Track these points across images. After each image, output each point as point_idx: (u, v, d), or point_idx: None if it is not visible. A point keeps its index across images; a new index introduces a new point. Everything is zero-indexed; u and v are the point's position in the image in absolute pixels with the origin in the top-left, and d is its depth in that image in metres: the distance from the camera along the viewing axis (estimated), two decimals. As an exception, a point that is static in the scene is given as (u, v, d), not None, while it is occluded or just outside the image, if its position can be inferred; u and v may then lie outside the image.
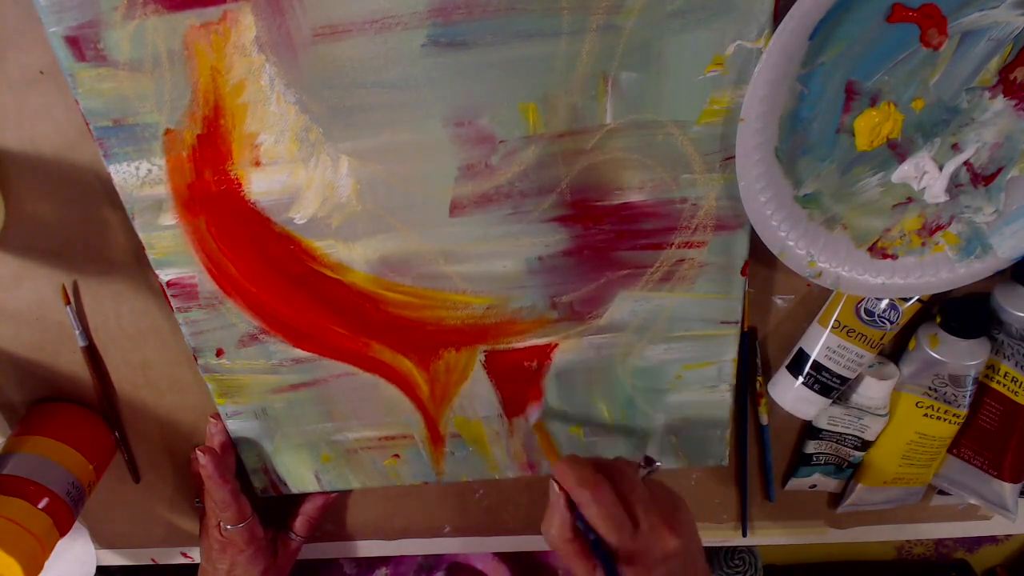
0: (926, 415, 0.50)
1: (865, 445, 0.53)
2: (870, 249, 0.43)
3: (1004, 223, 0.41)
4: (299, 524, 0.60)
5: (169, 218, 0.44)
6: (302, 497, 0.60)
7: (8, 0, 0.40)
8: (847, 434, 0.53)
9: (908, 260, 0.43)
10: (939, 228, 0.42)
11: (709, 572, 0.45)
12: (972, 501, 0.54)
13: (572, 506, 0.40)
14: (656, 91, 0.39)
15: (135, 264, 0.49)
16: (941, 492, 0.58)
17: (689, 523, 0.42)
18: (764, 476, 0.58)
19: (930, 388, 0.49)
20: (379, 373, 0.51)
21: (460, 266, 0.45)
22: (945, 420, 0.50)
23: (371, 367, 0.50)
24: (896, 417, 0.51)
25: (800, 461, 0.56)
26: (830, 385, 0.49)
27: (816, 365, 0.48)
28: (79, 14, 0.38)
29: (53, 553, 0.51)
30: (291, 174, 0.43)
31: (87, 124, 0.41)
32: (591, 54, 0.38)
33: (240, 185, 0.43)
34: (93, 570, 0.66)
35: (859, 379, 0.50)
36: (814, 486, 0.58)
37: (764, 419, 0.55)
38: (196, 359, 0.50)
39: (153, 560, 0.68)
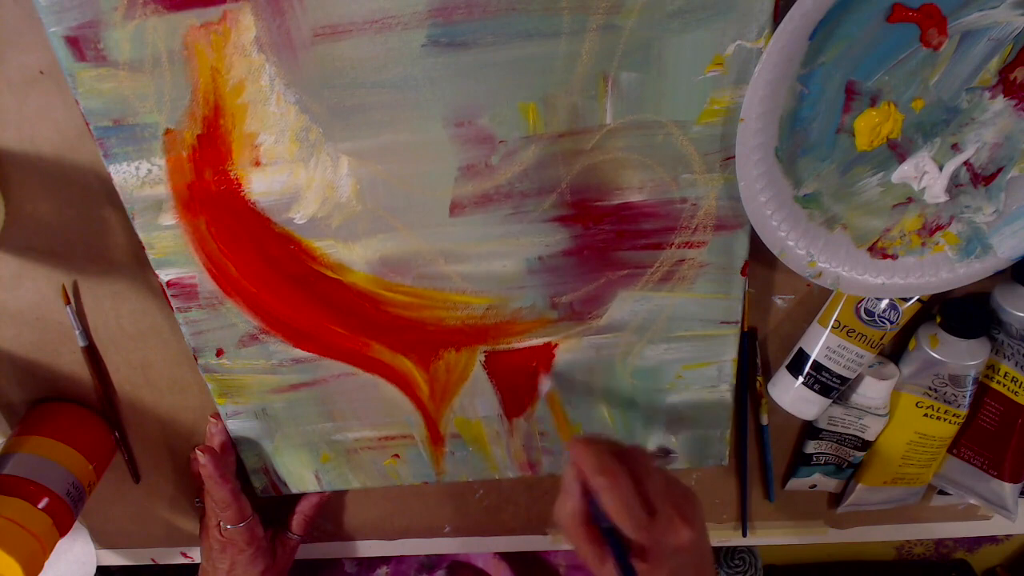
0: (926, 415, 0.50)
1: (865, 445, 0.53)
2: (870, 249, 0.43)
3: (1004, 223, 0.41)
4: (296, 523, 0.60)
5: (169, 218, 0.44)
6: (299, 496, 0.60)
7: (8, 0, 0.40)
8: (847, 434, 0.53)
9: (908, 260, 0.43)
10: (939, 228, 0.42)
11: (715, 568, 0.44)
12: (972, 501, 0.54)
13: (587, 491, 0.40)
14: (656, 91, 0.39)
15: (135, 264, 0.49)
16: (941, 492, 0.58)
17: (701, 517, 0.42)
18: (764, 476, 0.58)
19: (930, 388, 0.49)
20: (379, 373, 0.51)
21: (460, 266, 0.45)
22: (945, 420, 0.50)
23: (371, 367, 0.50)
24: (896, 417, 0.51)
25: (800, 461, 0.56)
26: (830, 385, 0.49)
27: (816, 365, 0.48)
28: (79, 14, 0.38)
29: (53, 553, 0.51)
30: (291, 174, 0.43)
31: (87, 124, 0.41)
32: (591, 54, 0.38)
33: (240, 185, 0.43)
34: (93, 570, 0.66)
35: (859, 379, 0.50)
36: (814, 486, 0.58)
37: (764, 419, 0.55)
38: (196, 359, 0.50)
39: (153, 560, 0.68)
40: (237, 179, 0.43)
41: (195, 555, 0.66)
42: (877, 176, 0.40)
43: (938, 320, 0.47)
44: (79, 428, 0.55)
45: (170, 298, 0.47)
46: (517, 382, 0.51)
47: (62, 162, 0.45)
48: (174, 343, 0.52)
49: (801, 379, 0.49)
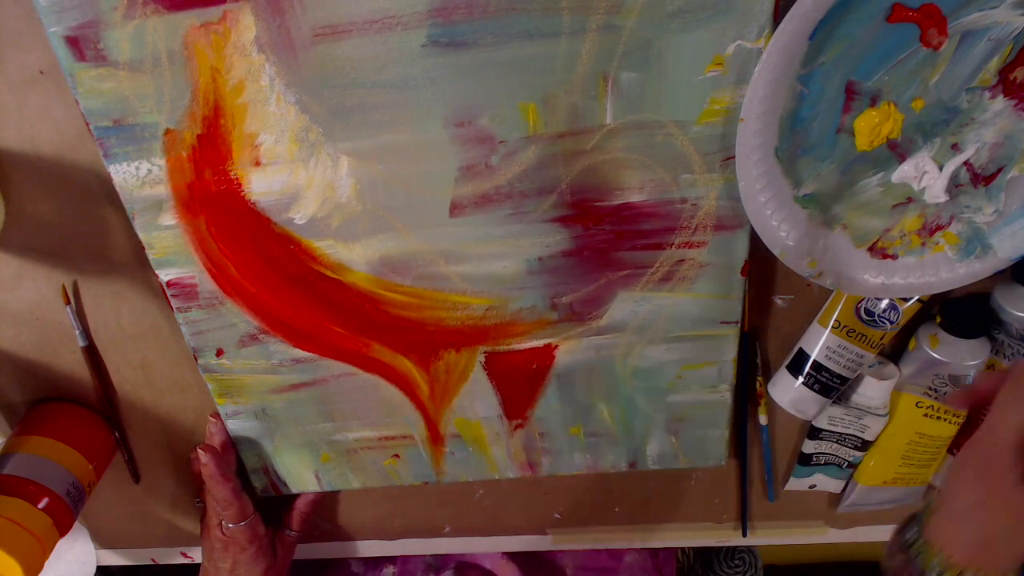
0: (926, 415, 0.50)
1: (865, 445, 0.53)
2: (870, 249, 0.43)
3: (1004, 223, 0.41)
4: (293, 520, 0.60)
5: (169, 218, 0.44)
6: (295, 494, 0.60)
7: (8, 0, 0.40)
8: (847, 434, 0.53)
9: (908, 260, 0.43)
10: (939, 228, 0.42)
11: None
12: (972, 501, 0.54)
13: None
14: (656, 91, 0.39)
15: (135, 264, 0.49)
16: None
17: None
18: (764, 476, 0.58)
19: (930, 388, 0.49)
20: (379, 373, 0.51)
21: (460, 266, 0.45)
22: (945, 420, 0.50)
23: (371, 367, 0.50)
24: (896, 417, 0.51)
25: (800, 461, 0.56)
26: (830, 385, 0.49)
27: (816, 365, 0.48)
28: (79, 14, 0.38)
29: (53, 553, 0.51)
30: (291, 174, 0.43)
31: (87, 124, 0.41)
32: (591, 54, 0.38)
33: (240, 185, 0.43)
34: (93, 570, 0.66)
35: (859, 379, 0.50)
36: (814, 486, 0.58)
37: (764, 419, 0.55)
38: (196, 359, 0.50)
39: (153, 560, 0.68)
40: (237, 179, 0.43)
41: (195, 555, 0.66)
42: (877, 176, 0.40)
43: (938, 320, 0.47)
44: (79, 428, 0.55)
45: (170, 298, 0.47)
46: (517, 383, 0.51)
47: (62, 162, 0.45)
48: (174, 343, 0.52)
49: (801, 379, 0.49)
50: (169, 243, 0.45)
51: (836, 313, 0.47)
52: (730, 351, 0.48)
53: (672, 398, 0.51)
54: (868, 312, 0.47)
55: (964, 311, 0.47)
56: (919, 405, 0.50)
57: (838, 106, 0.38)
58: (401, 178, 0.42)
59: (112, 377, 0.55)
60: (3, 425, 0.58)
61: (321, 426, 0.54)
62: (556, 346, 0.49)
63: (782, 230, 0.41)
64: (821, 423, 0.53)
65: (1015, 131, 0.38)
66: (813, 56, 0.36)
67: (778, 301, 0.50)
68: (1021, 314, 0.46)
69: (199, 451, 0.53)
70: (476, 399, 0.52)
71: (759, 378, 0.53)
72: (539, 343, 0.49)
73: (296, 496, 0.60)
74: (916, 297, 0.46)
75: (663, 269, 0.45)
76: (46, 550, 0.50)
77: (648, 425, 0.53)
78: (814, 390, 0.49)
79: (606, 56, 0.38)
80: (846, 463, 0.55)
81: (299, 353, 0.50)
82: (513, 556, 0.70)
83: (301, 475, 0.57)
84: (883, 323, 0.47)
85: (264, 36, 0.38)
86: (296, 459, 0.56)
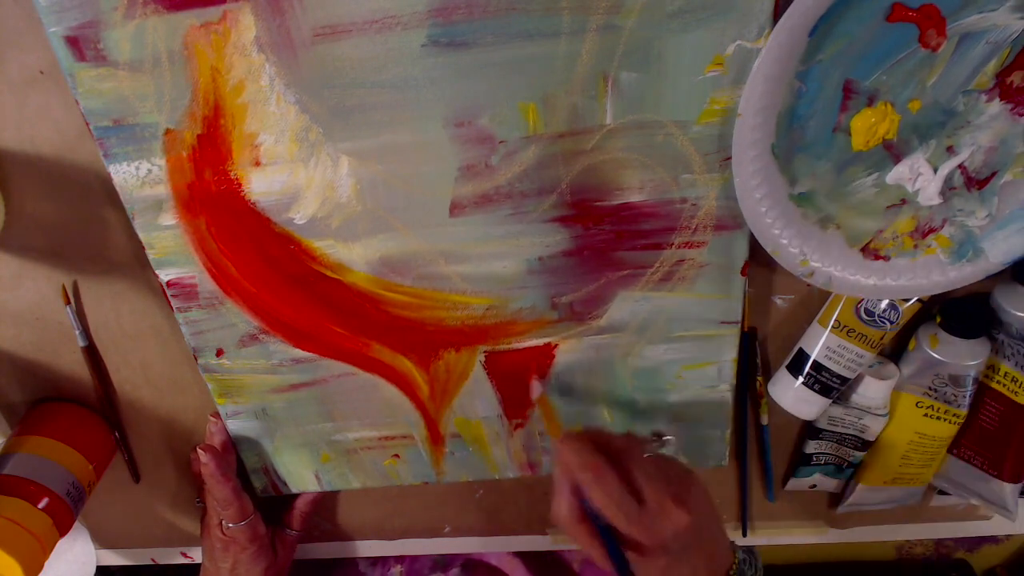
0: (926, 415, 0.50)
1: (865, 445, 0.53)
2: (863, 250, 0.43)
3: (996, 227, 0.41)
4: (293, 519, 0.60)
5: (169, 218, 0.44)
6: (295, 493, 0.60)
7: (8, 0, 0.40)
8: (847, 434, 0.53)
9: (900, 262, 0.43)
10: (932, 231, 0.42)
11: (727, 540, 0.43)
12: (972, 501, 0.54)
13: (577, 488, 0.40)
14: (656, 91, 0.39)
15: (135, 264, 0.49)
16: (941, 492, 0.58)
17: (701, 495, 0.41)
18: (764, 476, 0.58)
19: (930, 388, 0.49)
20: (379, 373, 0.51)
21: (460, 266, 0.46)
22: (945, 420, 0.50)
23: (371, 367, 0.50)
24: (896, 417, 0.51)
25: (800, 461, 0.56)
26: (830, 385, 0.49)
27: (816, 365, 0.48)
28: (79, 14, 0.38)
29: (53, 553, 0.51)
30: (291, 174, 0.43)
31: (87, 124, 0.41)
32: (591, 54, 0.38)
33: (240, 185, 0.43)
34: (93, 570, 0.66)
35: (859, 379, 0.50)
36: (814, 486, 0.58)
37: (764, 419, 0.55)
38: (196, 359, 0.50)
39: (153, 560, 0.68)
40: (237, 179, 0.43)
41: (195, 555, 0.66)
42: (872, 177, 0.40)
43: (938, 320, 0.47)
44: (79, 428, 0.55)
45: (170, 298, 0.47)
46: (517, 383, 0.51)
47: (62, 162, 0.45)
48: (174, 343, 0.52)
49: (801, 379, 0.49)
50: (169, 243, 0.45)
51: (836, 313, 0.47)
52: (730, 351, 0.48)
53: (672, 398, 0.51)
54: (868, 312, 0.47)
55: (964, 311, 0.47)
56: (919, 405, 0.50)
57: (835, 104, 0.38)
58: (401, 178, 0.43)
59: (112, 377, 0.55)
60: (3, 425, 0.58)
61: (321, 426, 0.54)
62: (556, 346, 0.49)
63: (776, 228, 0.41)
64: (821, 423, 0.53)
65: (1010, 135, 0.38)
66: (812, 53, 0.37)
67: (778, 301, 0.50)
68: (1021, 314, 0.46)
69: (199, 451, 0.53)
70: (476, 399, 0.52)
71: (759, 378, 0.53)
72: (539, 343, 0.49)
73: (296, 496, 0.60)
74: (916, 297, 0.46)
75: (663, 269, 0.45)
76: (46, 550, 0.50)
77: (648, 425, 0.53)
78: (814, 390, 0.49)
79: (606, 56, 0.38)
80: (846, 463, 0.55)
81: (299, 353, 0.50)
82: (520, 553, 0.70)
83: (301, 475, 0.57)
84: (883, 323, 0.47)
85: (264, 36, 0.38)
86: (296, 459, 0.56)
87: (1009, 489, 0.51)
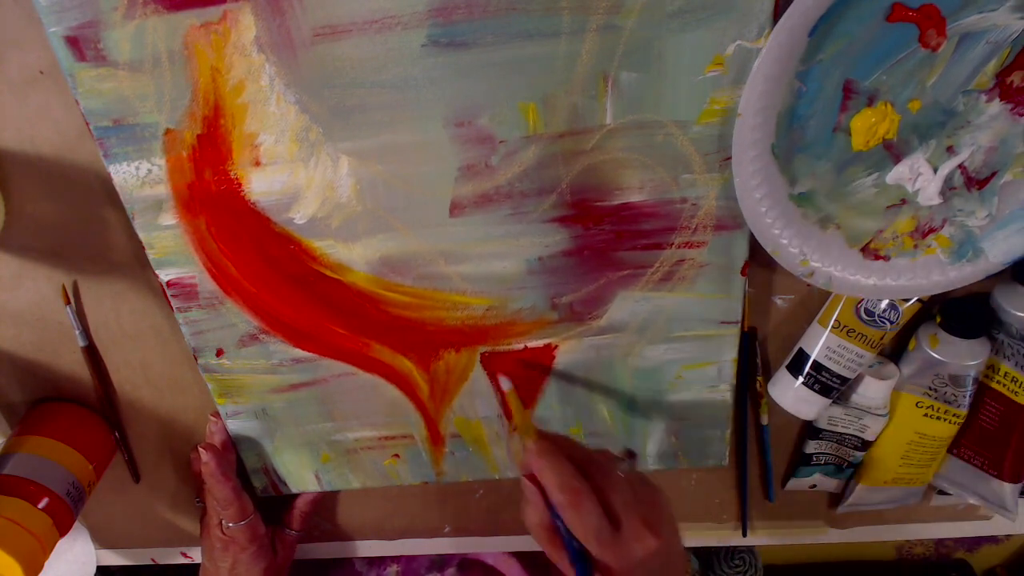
0: (926, 415, 0.50)
1: (865, 445, 0.53)
2: (862, 250, 0.43)
3: (996, 228, 0.41)
4: (293, 519, 0.60)
5: (169, 218, 0.44)
6: (295, 493, 0.60)
7: (8, 0, 0.40)
8: (847, 434, 0.53)
9: (900, 262, 0.43)
10: (932, 231, 0.42)
11: (687, 559, 0.43)
12: (972, 501, 0.54)
13: (550, 502, 0.39)
14: (656, 91, 0.39)
15: (135, 264, 0.49)
16: (941, 492, 0.58)
17: (670, 520, 0.41)
18: (764, 476, 0.58)
19: (930, 388, 0.49)
20: (379, 373, 0.51)
21: (460, 266, 0.46)
22: (945, 420, 0.50)
23: (371, 367, 0.50)
24: (896, 417, 0.51)
25: (800, 461, 0.56)
26: (830, 385, 0.49)
27: (816, 365, 0.48)
28: (79, 14, 0.38)
29: (53, 553, 0.51)
30: (291, 174, 0.43)
31: (87, 124, 0.41)
32: (591, 54, 0.38)
33: (240, 185, 0.43)
34: (93, 570, 0.66)
35: (859, 379, 0.50)
36: (814, 486, 0.58)
37: (764, 419, 0.55)
38: (196, 359, 0.50)
39: (153, 560, 0.68)
40: (237, 179, 0.43)
41: (195, 555, 0.66)
42: (872, 177, 0.40)
43: (938, 320, 0.47)
44: (79, 428, 0.55)
45: (170, 298, 0.47)
46: (517, 383, 0.50)
47: (62, 162, 0.45)
48: (174, 343, 0.52)
49: (801, 379, 0.49)
50: (169, 243, 0.45)
51: (836, 313, 0.47)
52: (730, 351, 0.48)
53: (672, 398, 0.51)
54: (868, 312, 0.47)
55: (964, 311, 0.47)
56: (919, 405, 0.50)
57: (835, 104, 0.38)
58: (401, 178, 0.43)
59: (112, 377, 0.55)
60: (3, 425, 0.58)
61: (321, 426, 0.54)
62: (556, 346, 0.49)
63: (776, 227, 0.41)
64: (821, 423, 0.53)
65: (1010, 135, 0.38)
66: (812, 53, 0.37)
67: (778, 301, 0.50)
68: (1021, 314, 0.46)
69: (200, 450, 0.53)
70: (476, 399, 0.52)
71: (759, 378, 0.53)
72: (539, 343, 0.49)
73: (296, 496, 0.60)
74: (916, 297, 0.46)
75: (663, 269, 0.45)
76: (46, 550, 0.50)
77: (648, 425, 0.53)
78: (814, 390, 0.49)
79: (606, 56, 0.38)
80: (846, 463, 0.55)
81: (299, 353, 0.50)
82: (516, 552, 0.70)
83: (301, 475, 0.57)
84: (883, 323, 0.47)
85: (264, 36, 0.38)
86: (296, 459, 0.56)
87: (1009, 489, 0.51)
